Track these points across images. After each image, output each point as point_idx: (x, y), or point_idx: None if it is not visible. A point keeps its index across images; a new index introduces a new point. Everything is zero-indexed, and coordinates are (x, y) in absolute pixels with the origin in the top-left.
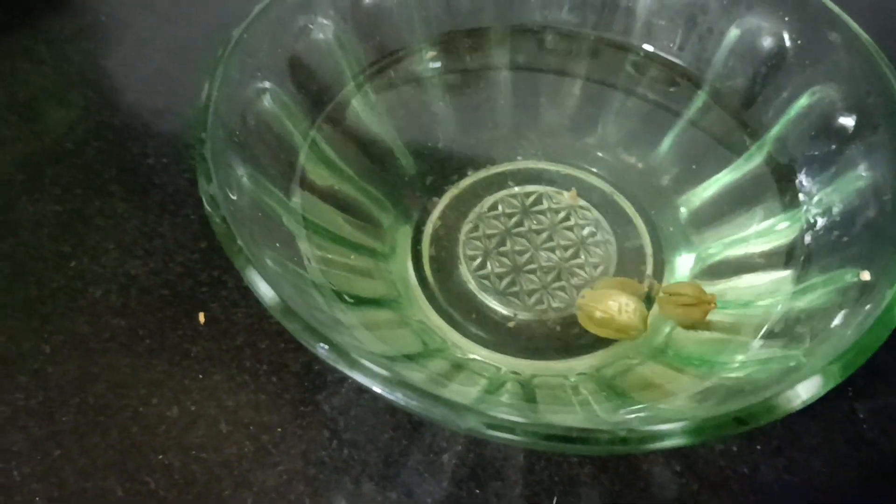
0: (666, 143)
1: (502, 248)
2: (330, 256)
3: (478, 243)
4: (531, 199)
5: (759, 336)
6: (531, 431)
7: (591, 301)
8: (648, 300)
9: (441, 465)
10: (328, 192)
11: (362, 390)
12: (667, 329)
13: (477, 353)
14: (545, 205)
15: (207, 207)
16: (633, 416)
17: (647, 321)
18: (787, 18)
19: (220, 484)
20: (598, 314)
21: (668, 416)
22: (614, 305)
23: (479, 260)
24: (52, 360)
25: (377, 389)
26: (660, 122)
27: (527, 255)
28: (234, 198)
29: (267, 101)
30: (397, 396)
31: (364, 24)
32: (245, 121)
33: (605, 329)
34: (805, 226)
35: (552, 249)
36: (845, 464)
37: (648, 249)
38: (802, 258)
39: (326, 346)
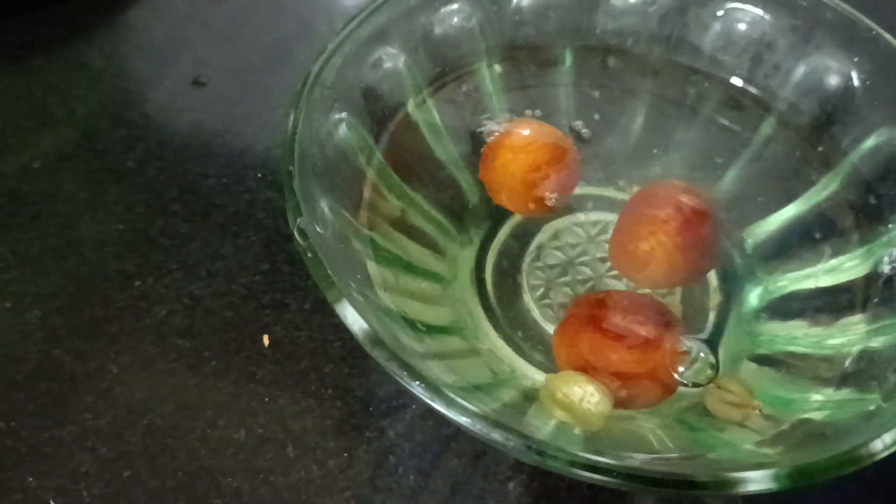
0: (731, 173)
1: (563, 278)
2: (402, 284)
3: (540, 273)
4: (597, 228)
5: (833, 375)
6: (626, 475)
7: (558, 380)
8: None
9: (506, 493)
10: (397, 220)
11: (426, 417)
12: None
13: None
14: (610, 234)
15: (299, 240)
16: (711, 455)
17: (606, 418)
18: (856, 59)
19: None
20: (559, 395)
21: (749, 458)
22: (578, 392)
23: (542, 289)
24: (119, 380)
25: (472, 427)
26: (725, 152)
27: (589, 285)
28: (321, 230)
29: (343, 130)
30: (494, 437)
31: (433, 52)
32: (324, 151)
33: (565, 413)
34: (876, 265)
35: (618, 277)
36: None
37: (714, 282)
38: (875, 298)
39: (422, 384)
